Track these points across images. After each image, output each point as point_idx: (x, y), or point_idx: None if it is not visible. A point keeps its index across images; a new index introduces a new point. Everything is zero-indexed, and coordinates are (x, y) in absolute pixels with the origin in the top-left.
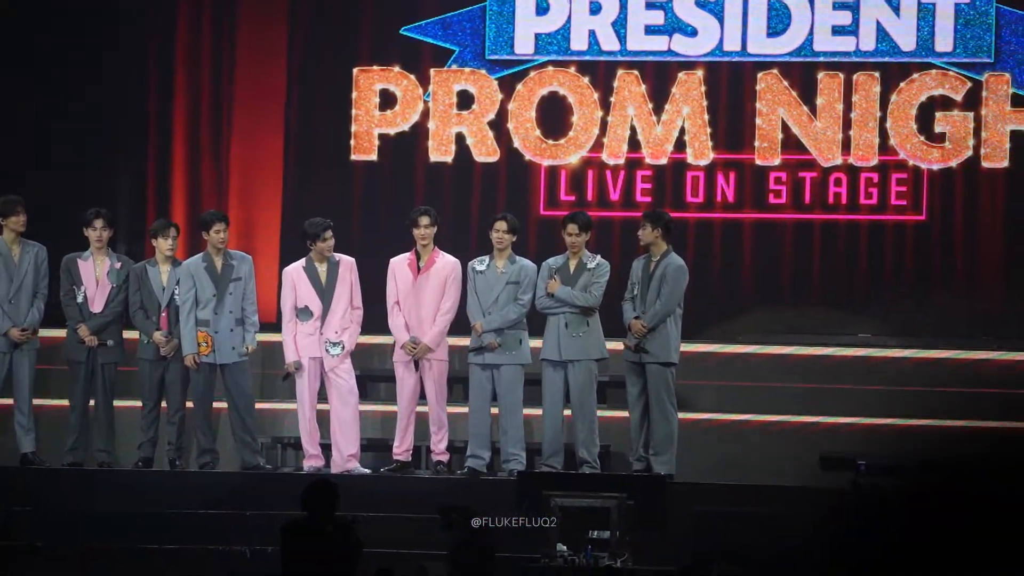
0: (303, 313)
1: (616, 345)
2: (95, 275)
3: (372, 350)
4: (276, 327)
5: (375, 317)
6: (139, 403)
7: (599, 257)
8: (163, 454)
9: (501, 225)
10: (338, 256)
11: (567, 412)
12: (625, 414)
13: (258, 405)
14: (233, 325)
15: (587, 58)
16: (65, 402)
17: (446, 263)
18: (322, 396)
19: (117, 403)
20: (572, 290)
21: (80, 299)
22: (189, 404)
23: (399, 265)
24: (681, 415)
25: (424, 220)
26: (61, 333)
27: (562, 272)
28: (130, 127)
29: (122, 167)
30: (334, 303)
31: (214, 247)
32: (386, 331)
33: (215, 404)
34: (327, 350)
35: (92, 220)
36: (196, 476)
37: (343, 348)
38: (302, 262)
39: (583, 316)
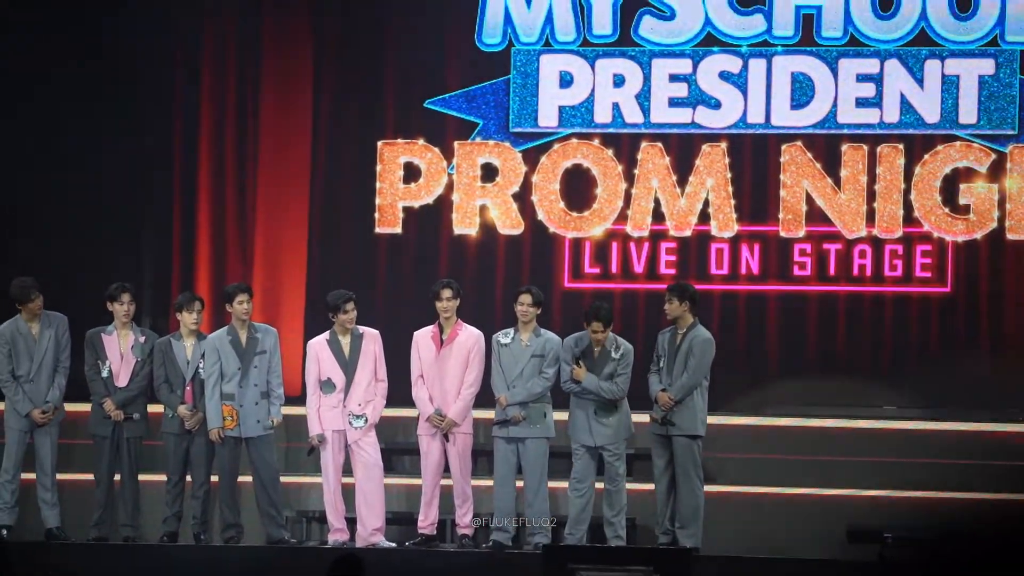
0: (326, 386)
1: (642, 418)
2: (120, 349)
3: (397, 423)
4: (301, 400)
5: (399, 390)
6: (164, 477)
7: (624, 344)
8: (188, 528)
9: (526, 298)
10: (362, 328)
11: (598, 485)
12: (651, 487)
13: (283, 478)
14: (258, 398)
15: (611, 130)
16: (90, 476)
17: (469, 335)
18: (347, 469)
19: (142, 477)
20: (599, 381)
21: (105, 374)
22: (214, 478)
23: (422, 338)
24: (707, 488)
25: (446, 293)
26: (85, 407)
27: (586, 359)
28: (154, 201)
29: (147, 241)
30: (357, 375)
31: (238, 319)
32: (410, 404)
33: (240, 478)
34: (350, 423)
35: (119, 295)
36: (221, 550)
37: (366, 421)
38: (326, 335)
39: (612, 401)
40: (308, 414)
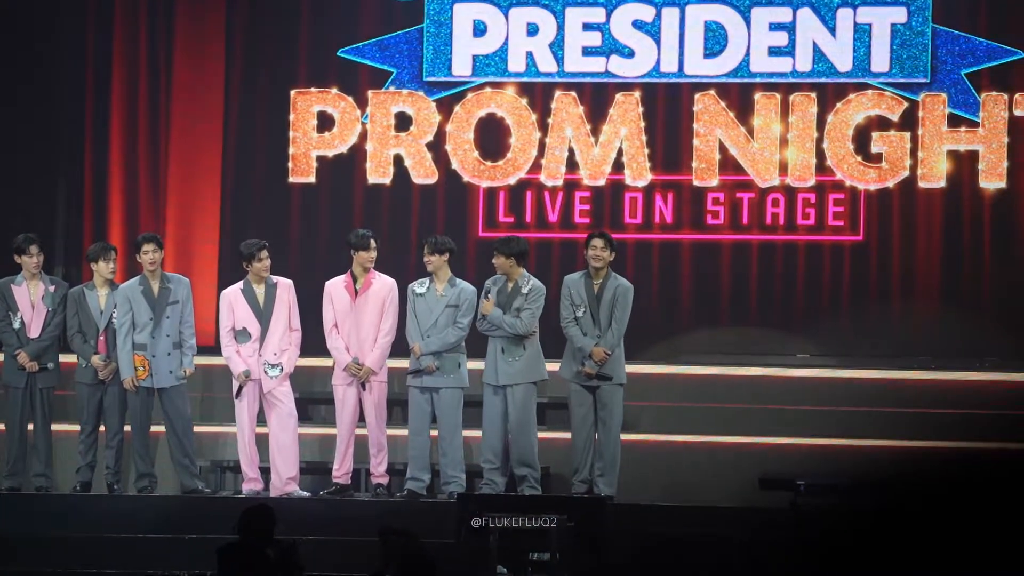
0: (241, 335)
1: (556, 366)
2: (30, 300)
3: (312, 373)
4: (214, 350)
5: (314, 339)
6: (77, 427)
7: (533, 280)
8: (101, 478)
9: (425, 249)
10: (275, 278)
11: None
12: (564, 435)
13: (197, 428)
14: (170, 348)
15: (525, 79)
16: (2, 426)
17: (383, 284)
18: (261, 419)
19: (55, 427)
20: (504, 315)
21: (17, 325)
22: (127, 428)
23: (335, 288)
24: (621, 436)
25: (374, 243)
26: None
27: (499, 294)
28: (65, 150)
29: (58, 190)
30: (272, 325)
31: (147, 269)
32: (325, 353)
33: (154, 428)
34: (266, 372)
35: (27, 247)
36: (135, 500)
37: (282, 370)
38: (240, 284)
39: (519, 340)
40: (228, 358)
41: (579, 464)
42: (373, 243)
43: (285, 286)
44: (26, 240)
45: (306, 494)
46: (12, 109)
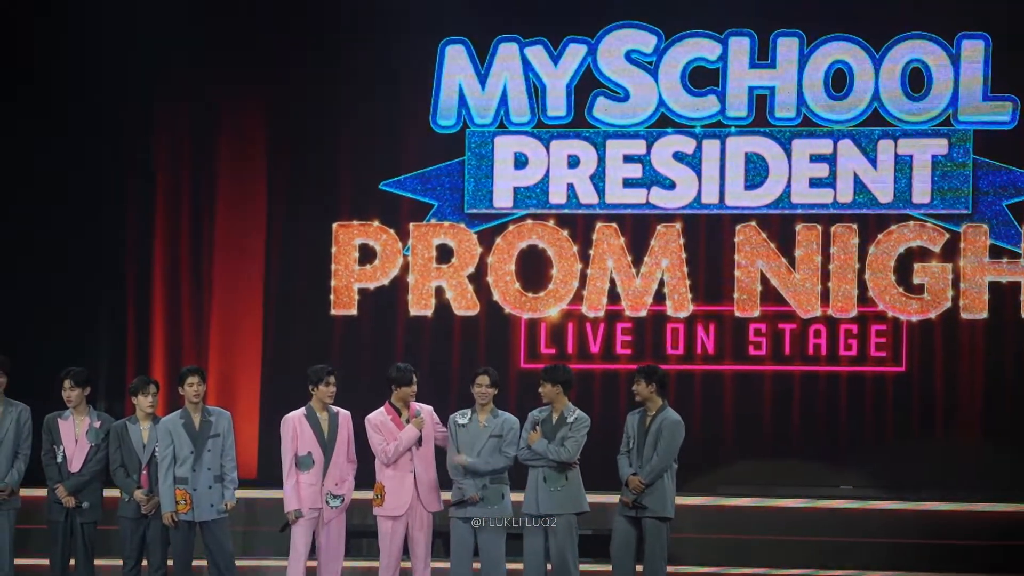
0: (304, 461)
1: (604, 498)
2: (74, 434)
3: (351, 505)
4: (256, 483)
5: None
6: (120, 562)
7: (578, 411)
8: None
9: (483, 379)
10: (336, 408)
11: (549, 566)
12: (608, 567)
13: (239, 562)
14: (212, 482)
15: (566, 211)
16: (46, 561)
17: (427, 412)
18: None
19: (98, 562)
20: (548, 444)
21: (59, 458)
22: (170, 562)
23: (382, 423)
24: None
25: (415, 378)
26: (44, 492)
27: (544, 424)
28: (109, 285)
29: (102, 323)
30: (335, 453)
31: (190, 402)
32: (364, 487)
33: (196, 562)
34: (327, 501)
35: (63, 382)
36: None
37: (343, 500)
38: (302, 411)
39: (561, 470)
40: (285, 490)
41: None
42: (414, 378)
43: (345, 417)
44: (63, 374)
45: None
46: (56, 243)
